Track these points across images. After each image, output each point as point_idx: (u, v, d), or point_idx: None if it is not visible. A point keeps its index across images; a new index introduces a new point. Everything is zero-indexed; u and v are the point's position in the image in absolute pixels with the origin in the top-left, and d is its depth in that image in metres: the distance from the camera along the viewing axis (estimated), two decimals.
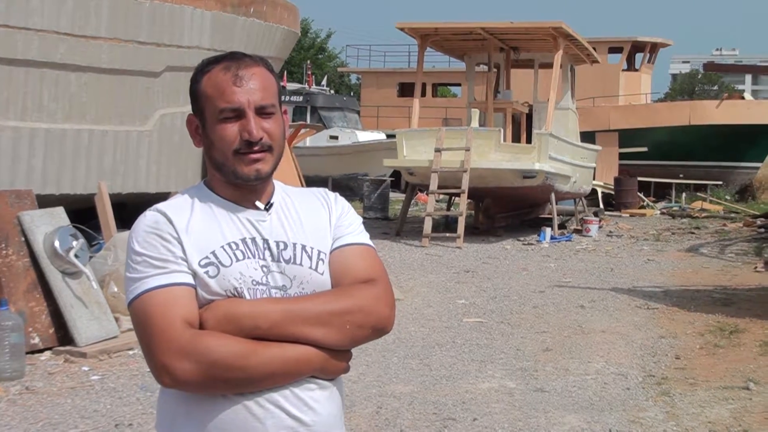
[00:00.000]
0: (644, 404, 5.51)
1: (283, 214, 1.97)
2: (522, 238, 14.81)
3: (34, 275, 6.48)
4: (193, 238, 1.87)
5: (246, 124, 1.88)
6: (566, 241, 14.85)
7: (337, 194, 2.11)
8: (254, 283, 1.87)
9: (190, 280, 1.84)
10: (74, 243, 6.54)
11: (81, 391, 5.59)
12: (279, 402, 1.84)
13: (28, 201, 6.80)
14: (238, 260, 1.87)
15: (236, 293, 1.86)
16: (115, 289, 6.95)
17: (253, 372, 1.79)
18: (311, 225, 1.98)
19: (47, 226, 6.61)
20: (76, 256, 6.49)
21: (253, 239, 1.91)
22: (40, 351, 6.38)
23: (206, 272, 1.85)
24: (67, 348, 6.41)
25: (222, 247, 1.88)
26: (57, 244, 6.46)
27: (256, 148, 1.89)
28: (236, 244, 1.89)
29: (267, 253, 1.91)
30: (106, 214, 8.37)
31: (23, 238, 6.52)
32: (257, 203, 1.95)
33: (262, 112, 1.90)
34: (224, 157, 1.89)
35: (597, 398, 5.62)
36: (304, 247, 1.94)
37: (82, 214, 8.98)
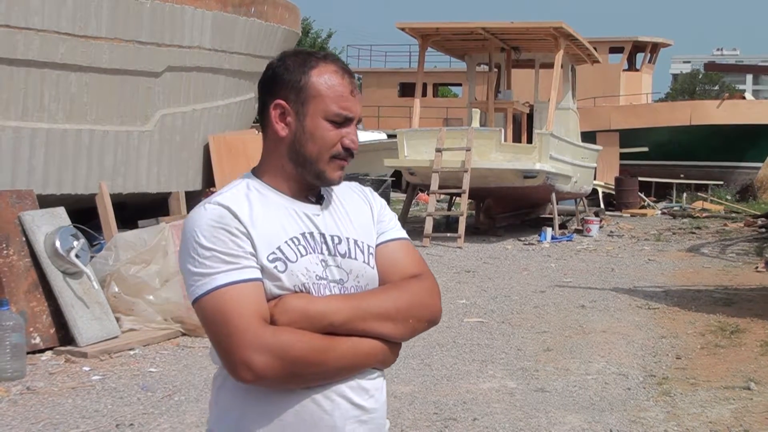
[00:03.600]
0: (645, 404, 5.51)
1: (333, 209, 2.03)
2: (523, 238, 14.81)
3: (35, 275, 6.49)
4: (259, 233, 1.89)
5: (350, 134, 1.96)
6: (567, 241, 14.84)
7: (371, 189, 2.18)
8: (317, 278, 1.92)
9: (259, 275, 1.87)
10: (75, 243, 6.54)
11: (82, 391, 5.59)
12: (345, 393, 1.90)
13: (29, 201, 6.81)
14: (302, 256, 1.91)
15: (303, 288, 1.90)
16: (116, 289, 6.95)
17: (330, 366, 1.86)
18: (358, 220, 2.04)
19: (48, 226, 6.61)
20: (77, 256, 6.49)
21: (312, 234, 1.95)
22: (41, 351, 6.38)
23: (275, 267, 1.88)
24: (68, 348, 6.41)
25: (286, 242, 1.91)
26: (58, 244, 6.46)
27: (350, 157, 1.98)
28: (298, 239, 1.93)
29: (324, 247, 1.96)
30: (107, 214, 8.38)
31: (24, 238, 6.53)
32: (309, 197, 2.00)
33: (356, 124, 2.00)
34: (318, 156, 1.94)
35: (598, 398, 5.62)
36: (356, 242, 2.00)
37: (83, 214, 8.98)
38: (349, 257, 1.97)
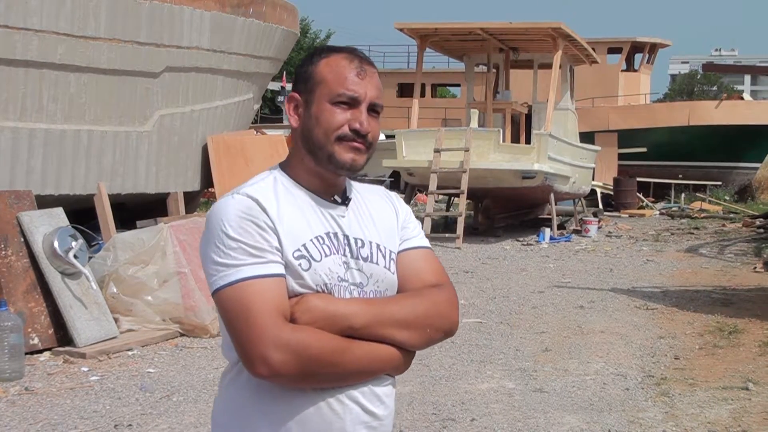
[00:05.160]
0: (643, 404, 5.52)
1: (358, 211, 2.01)
2: (521, 239, 14.82)
3: (34, 276, 6.48)
4: (285, 228, 1.87)
5: (358, 115, 1.91)
6: (565, 241, 14.85)
7: (396, 194, 2.15)
8: (339, 279, 1.91)
9: (283, 271, 1.84)
10: (73, 243, 6.54)
11: (80, 391, 5.59)
12: (357, 398, 1.89)
13: (28, 201, 6.80)
14: (326, 255, 1.90)
15: (325, 289, 1.88)
16: (115, 290, 6.95)
17: (345, 368, 1.84)
18: (382, 224, 2.02)
19: (46, 227, 6.61)
20: (75, 256, 6.49)
21: (336, 234, 1.93)
22: (40, 351, 6.38)
23: (299, 264, 1.86)
24: (67, 348, 6.41)
25: (311, 240, 1.89)
26: (56, 244, 6.46)
27: (360, 140, 1.91)
28: (322, 239, 1.91)
29: (347, 249, 1.94)
30: (106, 214, 8.38)
31: (23, 239, 6.53)
32: (336, 197, 1.98)
33: (372, 109, 1.93)
34: (325, 139, 1.90)
35: (596, 398, 5.62)
36: (378, 246, 1.98)
37: (81, 214, 8.98)
38: (371, 261, 1.96)
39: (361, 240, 1.96)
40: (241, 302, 1.80)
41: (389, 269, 1.98)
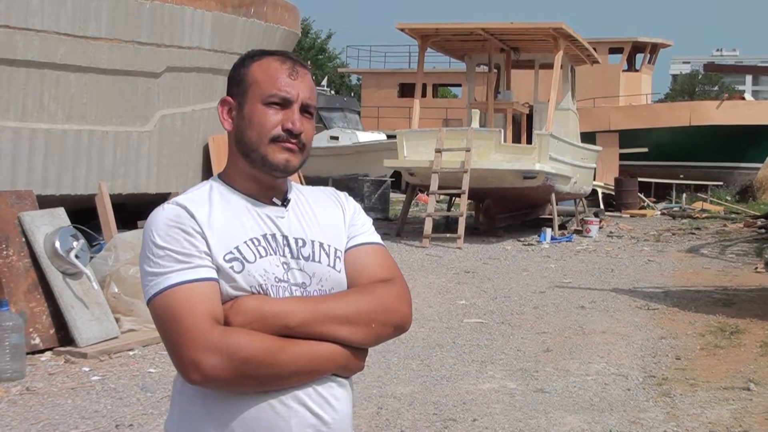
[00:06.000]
0: (645, 405, 5.51)
1: (300, 211, 1.98)
2: (522, 239, 14.81)
3: (35, 276, 6.49)
4: (216, 233, 1.85)
5: (290, 115, 1.90)
6: (567, 241, 14.85)
7: (347, 193, 2.13)
8: (277, 280, 1.87)
9: (214, 275, 1.82)
10: (75, 243, 6.54)
11: (81, 391, 5.59)
12: (303, 400, 1.85)
13: (29, 201, 6.81)
14: (261, 257, 1.87)
15: (261, 290, 1.85)
16: (116, 290, 6.95)
17: (282, 369, 1.80)
18: (327, 223, 1.99)
19: (48, 227, 6.61)
20: (76, 256, 6.49)
21: (273, 235, 1.91)
22: (41, 351, 6.38)
23: (231, 267, 1.84)
24: (68, 348, 6.41)
25: (245, 242, 1.87)
26: (57, 244, 6.46)
27: (294, 140, 1.90)
28: (258, 240, 1.89)
29: (287, 249, 1.91)
30: (107, 214, 8.38)
31: (24, 239, 6.53)
32: (274, 199, 1.95)
33: (305, 110, 1.92)
34: (258, 141, 1.89)
35: (597, 399, 5.62)
36: (321, 245, 1.95)
37: (82, 214, 8.98)
38: (313, 260, 1.92)
39: (302, 239, 1.93)
40: (170, 309, 1.78)
41: (334, 267, 1.94)
